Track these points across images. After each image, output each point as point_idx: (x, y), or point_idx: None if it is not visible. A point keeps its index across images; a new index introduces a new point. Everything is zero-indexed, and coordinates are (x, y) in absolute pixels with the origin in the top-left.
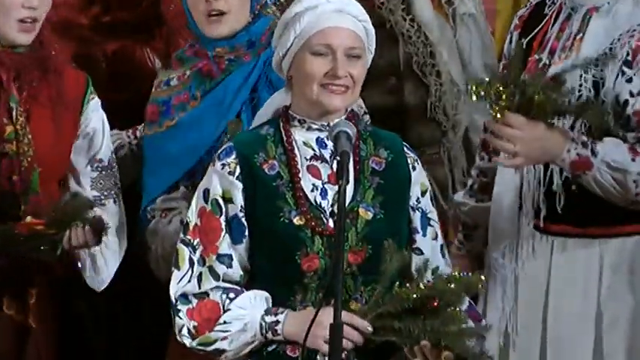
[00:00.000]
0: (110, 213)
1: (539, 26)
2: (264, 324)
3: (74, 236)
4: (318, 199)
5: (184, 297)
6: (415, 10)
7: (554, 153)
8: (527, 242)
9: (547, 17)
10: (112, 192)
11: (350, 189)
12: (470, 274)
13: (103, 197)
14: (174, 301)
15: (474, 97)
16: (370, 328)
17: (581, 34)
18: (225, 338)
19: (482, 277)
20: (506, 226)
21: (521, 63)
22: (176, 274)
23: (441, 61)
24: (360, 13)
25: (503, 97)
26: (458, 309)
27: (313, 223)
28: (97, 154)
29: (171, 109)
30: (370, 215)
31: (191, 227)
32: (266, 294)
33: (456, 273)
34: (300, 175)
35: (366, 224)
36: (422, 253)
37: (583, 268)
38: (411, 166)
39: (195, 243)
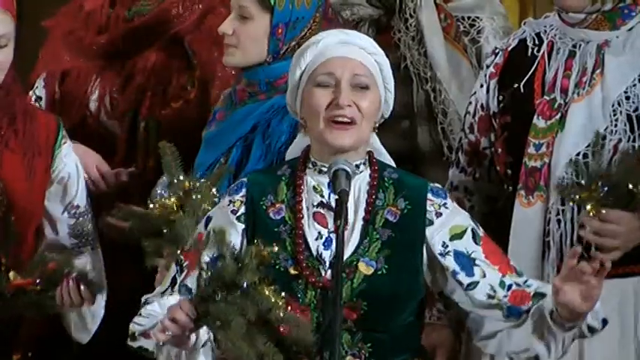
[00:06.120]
0: (89, 260)
1: (532, 68)
2: None
3: (65, 295)
4: (320, 248)
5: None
6: (426, 46)
7: None
8: None
9: (538, 58)
10: (90, 238)
11: (354, 241)
12: None
13: (81, 244)
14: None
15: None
16: (192, 312)
17: (599, 70)
18: (144, 335)
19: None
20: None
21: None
22: (157, 289)
23: (447, 100)
24: (369, 45)
25: (594, 194)
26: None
27: (308, 273)
28: (73, 200)
29: (212, 122)
30: (371, 270)
31: (186, 248)
32: None
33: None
34: (303, 221)
35: (364, 280)
36: (477, 285)
37: (618, 306)
38: (434, 213)
39: (185, 265)
